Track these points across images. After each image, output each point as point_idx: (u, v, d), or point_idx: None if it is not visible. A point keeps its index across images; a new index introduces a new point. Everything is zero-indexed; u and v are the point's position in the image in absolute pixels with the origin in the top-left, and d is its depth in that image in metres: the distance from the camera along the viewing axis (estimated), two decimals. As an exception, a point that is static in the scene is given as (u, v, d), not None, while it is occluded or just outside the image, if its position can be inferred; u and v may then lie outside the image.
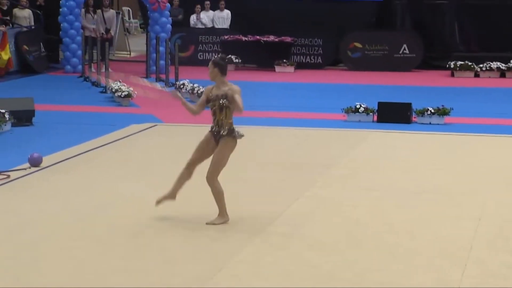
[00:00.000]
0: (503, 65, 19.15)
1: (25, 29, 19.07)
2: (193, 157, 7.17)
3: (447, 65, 19.40)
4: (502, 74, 19.19)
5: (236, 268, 5.95)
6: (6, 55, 17.51)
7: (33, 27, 19.40)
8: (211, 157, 7.08)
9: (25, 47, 18.52)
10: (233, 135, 7.06)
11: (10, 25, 18.47)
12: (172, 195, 7.17)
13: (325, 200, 7.86)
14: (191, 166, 7.17)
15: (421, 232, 6.87)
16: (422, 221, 7.18)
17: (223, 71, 7.09)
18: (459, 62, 19.29)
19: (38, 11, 19.84)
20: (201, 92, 14.10)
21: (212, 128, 7.15)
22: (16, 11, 19.36)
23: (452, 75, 19.34)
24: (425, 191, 8.30)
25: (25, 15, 19.38)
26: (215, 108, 7.08)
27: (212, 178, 7.01)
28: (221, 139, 7.05)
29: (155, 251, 6.28)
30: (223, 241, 6.57)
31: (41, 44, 19.22)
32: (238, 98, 7.00)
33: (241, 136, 7.13)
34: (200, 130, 11.90)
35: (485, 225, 7.08)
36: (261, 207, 7.54)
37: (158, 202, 7.19)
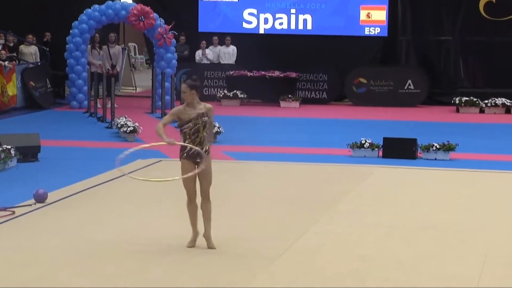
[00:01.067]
0: (508, 101, 19.16)
1: (31, 65, 19.20)
2: (189, 193, 7.37)
3: (452, 101, 19.42)
4: (507, 110, 19.18)
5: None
6: (12, 90, 17.59)
7: (39, 63, 19.53)
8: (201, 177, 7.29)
9: (32, 83, 18.62)
10: (209, 154, 7.36)
11: (17, 61, 18.59)
12: (196, 234, 7.37)
13: (331, 235, 7.82)
14: (193, 201, 7.33)
15: (427, 268, 6.82)
16: (428, 258, 7.13)
17: (198, 92, 7.43)
18: (464, 98, 19.32)
19: (45, 47, 19.99)
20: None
21: (187, 151, 7.32)
22: (23, 47, 19.51)
23: (457, 110, 19.35)
24: (431, 227, 8.25)
25: (31, 52, 19.52)
26: (199, 126, 7.32)
27: (208, 195, 7.34)
28: (205, 156, 7.25)
29: (159, 288, 6.25)
30: (229, 275, 6.52)
31: (47, 80, 19.33)
32: (212, 121, 7.45)
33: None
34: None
35: (492, 262, 7.03)
36: (267, 242, 7.50)
37: (191, 246, 7.34)
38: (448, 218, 8.65)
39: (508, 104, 19.15)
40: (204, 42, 20.88)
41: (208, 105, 7.42)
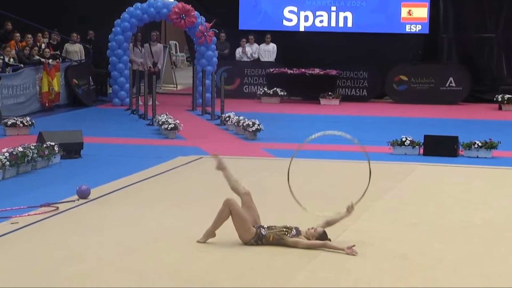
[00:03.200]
0: (551, 98, 18.92)
1: (75, 63, 19.45)
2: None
3: (495, 98, 19.24)
4: (550, 107, 18.96)
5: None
6: (57, 86, 17.86)
7: (82, 61, 19.77)
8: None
9: (75, 80, 18.87)
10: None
11: (60, 59, 18.85)
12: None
13: (371, 233, 7.81)
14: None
15: (469, 268, 6.78)
16: (470, 257, 7.09)
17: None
18: (507, 96, 19.12)
19: (88, 46, 20.24)
20: (246, 125, 14.18)
21: None
22: (68, 45, 19.80)
23: (500, 108, 19.15)
24: (473, 226, 8.20)
25: (76, 50, 19.81)
26: None
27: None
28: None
29: (199, 285, 6.30)
30: (269, 273, 6.56)
31: (90, 77, 19.57)
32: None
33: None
34: (245, 163, 11.95)
35: (535, 261, 6.97)
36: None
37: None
38: (490, 217, 8.58)
39: (551, 101, 18.91)
40: (244, 39, 20.95)
41: None
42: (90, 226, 8.06)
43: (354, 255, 7.00)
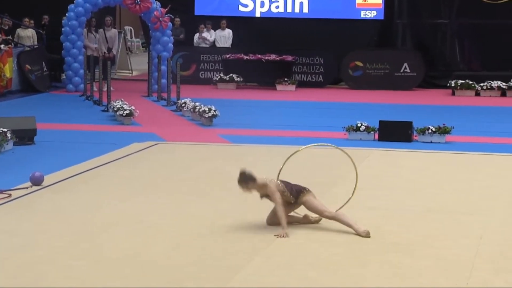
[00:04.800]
0: (504, 84, 19.20)
1: (27, 48, 19.15)
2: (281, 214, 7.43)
3: (448, 84, 19.46)
4: (503, 93, 19.23)
5: None
6: (9, 72, 17.57)
7: (35, 47, 19.48)
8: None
9: (28, 66, 18.59)
10: (301, 194, 7.49)
11: (12, 44, 18.54)
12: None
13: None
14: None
15: (423, 251, 6.86)
16: (425, 240, 7.17)
17: (254, 181, 7.34)
18: (460, 81, 19.35)
19: (41, 31, 19.93)
20: (203, 111, 14.13)
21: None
22: (20, 31, 19.48)
23: (453, 94, 19.38)
24: (427, 210, 8.29)
25: (28, 35, 19.49)
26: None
27: (327, 215, 7.47)
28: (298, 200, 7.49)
29: (156, 272, 6.27)
30: (225, 259, 6.56)
31: (44, 63, 19.30)
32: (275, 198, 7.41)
33: (308, 190, 7.57)
34: (201, 149, 11.93)
35: (487, 244, 7.08)
36: (264, 225, 7.53)
37: None
38: (444, 201, 8.69)
39: (504, 87, 19.19)
40: (202, 25, 20.85)
41: (270, 188, 7.39)
42: (43, 213, 7.96)
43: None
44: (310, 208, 7.50)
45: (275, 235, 7.16)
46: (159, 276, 6.14)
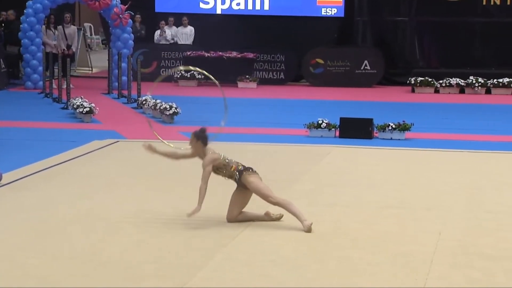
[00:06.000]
0: (462, 81, 19.42)
1: (-16, 45, 18.90)
2: (234, 209, 7.55)
3: (408, 81, 19.63)
4: (462, 90, 19.45)
5: (198, 286, 5.92)
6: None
7: (-7, 43, 19.23)
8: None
9: (-15, 63, 18.35)
10: (245, 173, 7.45)
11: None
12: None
13: (289, 215, 7.85)
14: (237, 215, 7.55)
15: (383, 247, 6.90)
16: (385, 236, 7.22)
17: (205, 143, 7.44)
18: (420, 78, 19.53)
19: (-1, 27, 19.68)
20: (164, 108, 14.07)
21: None
22: (-24, 27, 19.21)
23: (413, 91, 19.56)
24: (387, 206, 8.35)
25: (-16, 31, 19.23)
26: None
27: (273, 198, 7.43)
28: (241, 180, 7.47)
29: (116, 269, 6.22)
30: (186, 257, 6.53)
31: (1, 60, 19.04)
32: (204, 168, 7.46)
33: (255, 172, 7.53)
34: (162, 146, 11.85)
35: (446, 240, 7.15)
36: (224, 222, 7.52)
37: None
38: (404, 197, 8.76)
39: (462, 84, 19.41)
40: (163, 22, 20.75)
41: (206, 159, 7.46)
42: (2, 211, 7.85)
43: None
44: (255, 190, 7.46)
45: (187, 214, 7.21)
46: (118, 274, 6.10)
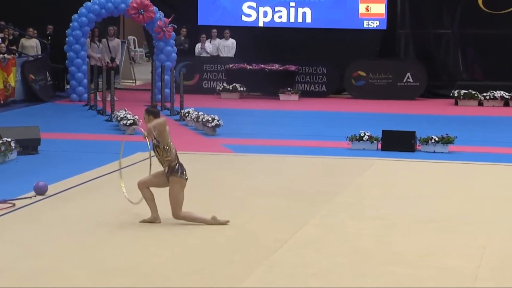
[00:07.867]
0: (507, 94, 19.20)
1: (31, 58, 19.21)
2: (148, 179, 7.92)
3: (451, 94, 19.46)
4: (506, 103, 19.23)
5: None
6: (13, 81, 17.63)
7: (39, 56, 19.54)
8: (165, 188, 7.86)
9: (32, 76, 18.64)
10: (176, 175, 7.71)
11: (17, 54, 18.60)
12: (155, 218, 7.86)
13: (331, 228, 7.85)
14: (146, 186, 7.89)
15: (426, 261, 6.85)
16: (428, 251, 7.17)
17: (157, 116, 7.84)
18: (463, 91, 19.35)
19: (45, 41, 19.99)
20: (206, 121, 14.16)
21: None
22: (23, 40, 19.54)
23: (456, 103, 19.38)
24: (430, 220, 8.29)
25: (32, 45, 19.55)
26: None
27: (177, 214, 7.73)
28: (169, 177, 7.77)
29: (157, 281, 6.27)
30: (227, 268, 6.56)
31: (47, 73, 19.35)
32: (152, 124, 7.74)
33: (185, 178, 7.77)
34: (205, 158, 11.91)
35: (490, 254, 7.07)
36: (266, 234, 7.54)
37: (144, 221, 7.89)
38: (447, 211, 8.68)
39: (507, 97, 19.19)
40: (204, 35, 20.90)
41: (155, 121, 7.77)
42: (47, 222, 7.98)
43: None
44: (172, 197, 7.71)
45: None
46: (160, 285, 6.14)
